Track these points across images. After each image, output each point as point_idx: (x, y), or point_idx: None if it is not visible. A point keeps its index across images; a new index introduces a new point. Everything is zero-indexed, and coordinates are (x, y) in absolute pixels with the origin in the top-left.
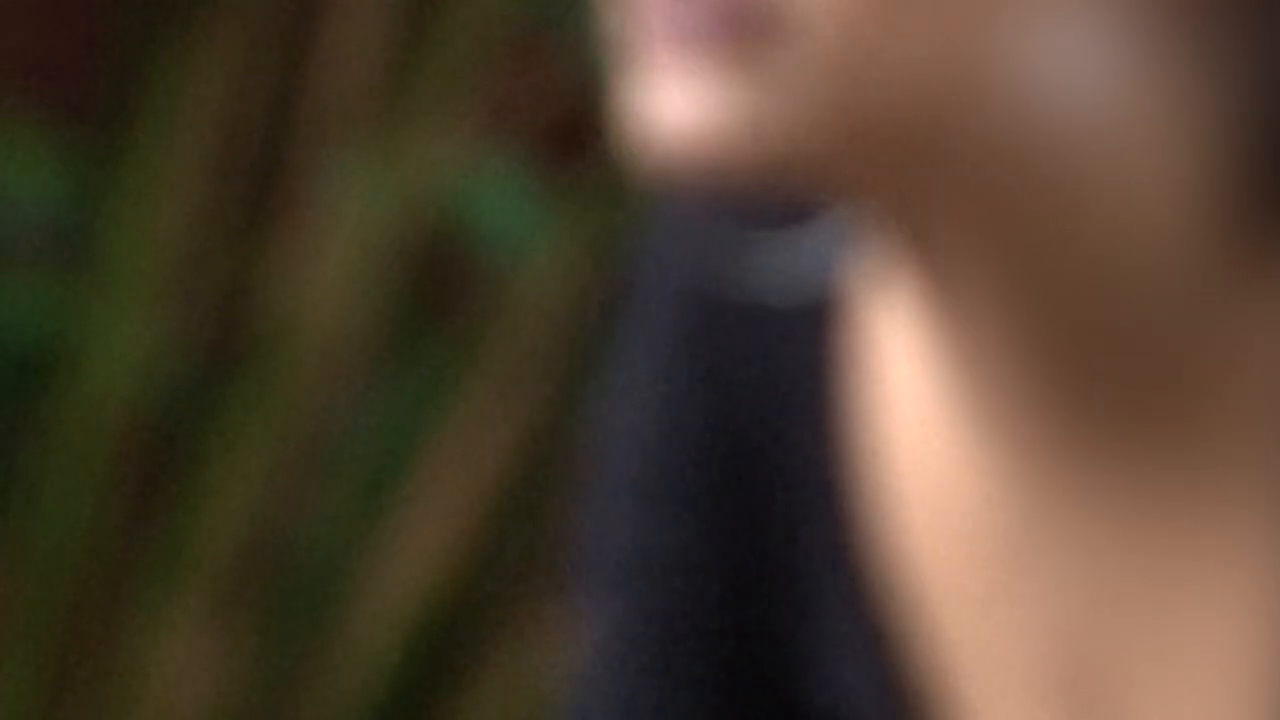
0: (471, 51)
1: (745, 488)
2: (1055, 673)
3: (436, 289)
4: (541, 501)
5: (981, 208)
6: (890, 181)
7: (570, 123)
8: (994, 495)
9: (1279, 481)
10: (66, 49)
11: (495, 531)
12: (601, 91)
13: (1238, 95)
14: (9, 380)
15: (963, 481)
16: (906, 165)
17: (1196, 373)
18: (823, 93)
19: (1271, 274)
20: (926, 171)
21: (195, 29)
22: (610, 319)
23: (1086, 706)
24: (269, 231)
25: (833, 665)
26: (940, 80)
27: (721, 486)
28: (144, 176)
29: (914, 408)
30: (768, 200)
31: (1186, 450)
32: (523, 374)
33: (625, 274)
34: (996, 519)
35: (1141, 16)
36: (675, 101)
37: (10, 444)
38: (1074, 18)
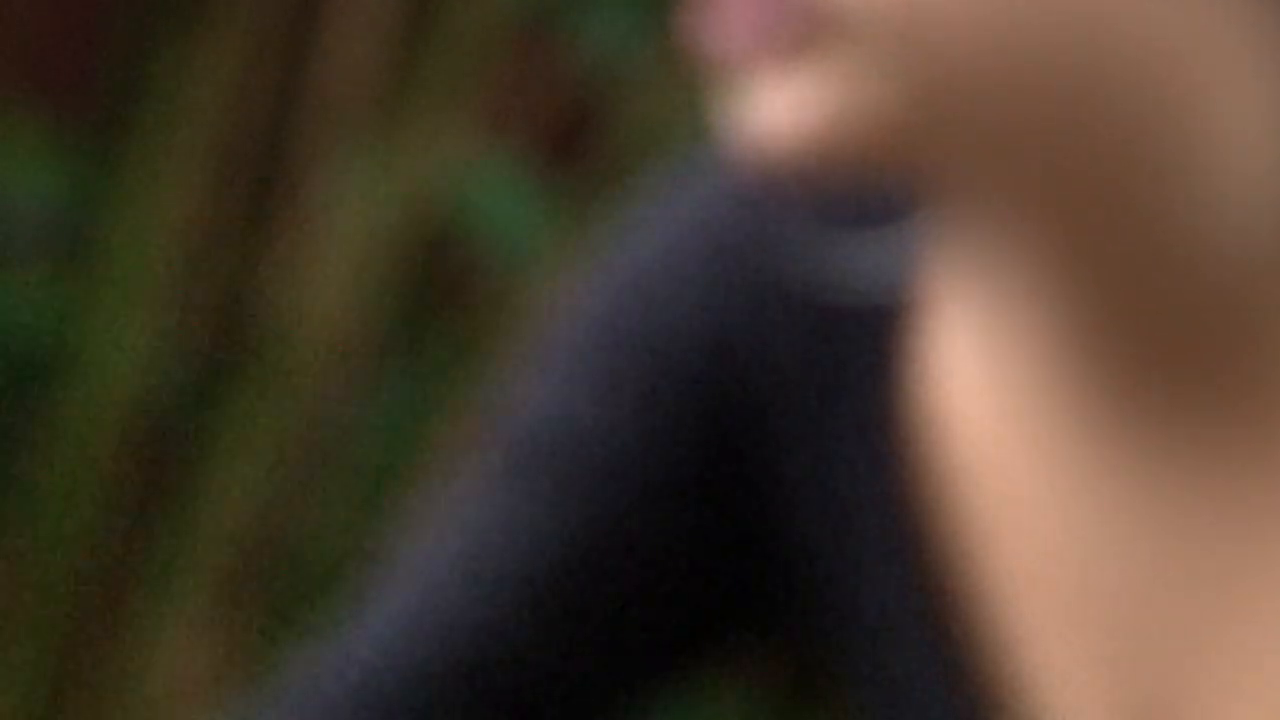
0: (472, 51)
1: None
2: (1115, 650)
3: (437, 288)
4: None
5: (1072, 178)
6: (981, 165)
7: (570, 123)
8: (1066, 495)
9: None
10: (67, 49)
11: None
12: (601, 91)
13: None
14: (9, 380)
15: (1033, 484)
16: (995, 146)
17: (1273, 358)
18: (900, 78)
19: None
20: (1023, 148)
21: (196, 29)
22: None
23: (1154, 696)
24: (269, 231)
25: (913, 692)
26: (1012, 60)
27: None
28: (144, 177)
29: (981, 413)
30: (859, 198)
31: (1259, 431)
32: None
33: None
34: (1070, 517)
35: None
36: (775, 106)
37: (11, 444)
38: None
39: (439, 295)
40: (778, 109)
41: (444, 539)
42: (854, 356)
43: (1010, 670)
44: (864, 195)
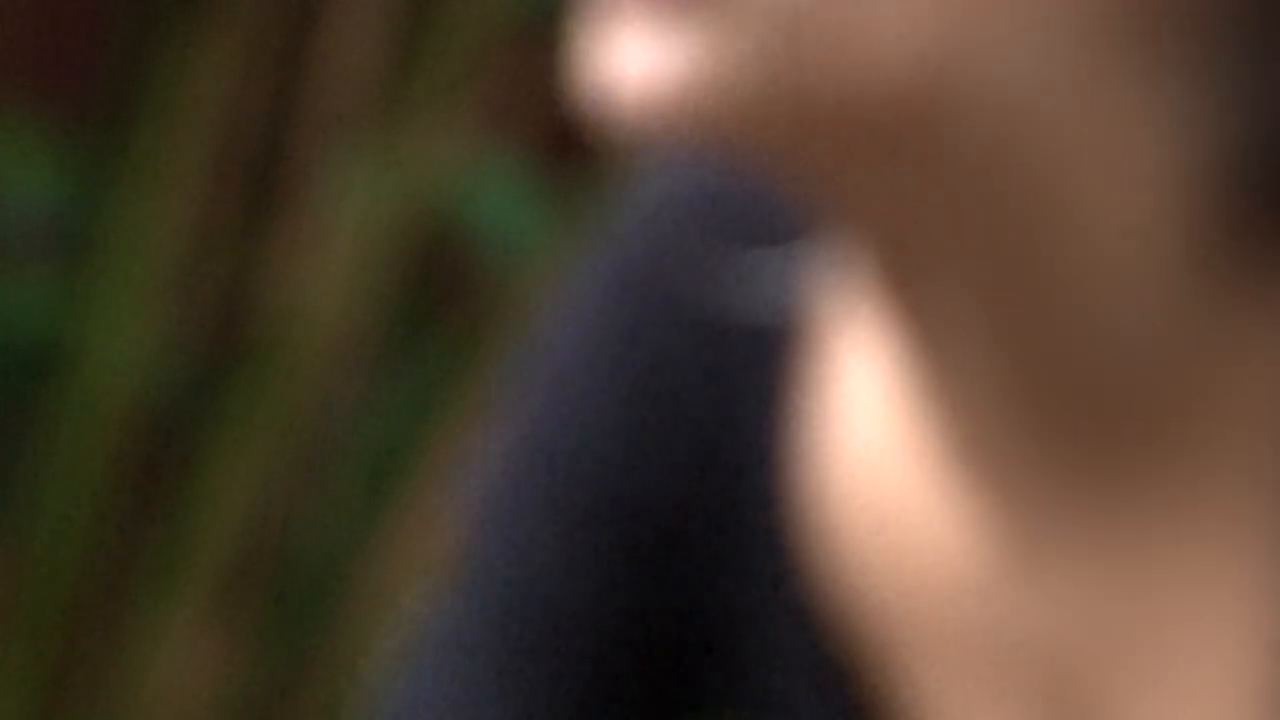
0: (471, 51)
1: (667, 517)
2: (1040, 708)
3: (436, 287)
4: None
5: (951, 216)
6: (857, 175)
7: (570, 122)
8: (970, 531)
9: (1273, 514)
10: (67, 48)
11: None
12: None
13: (1223, 111)
14: (9, 378)
15: (934, 517)
16: (870, 155)
17: (1184, 400)
18: (778, 56)
19: (1263, 298)
20: (892, 168)
21: (196, 28)
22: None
23: None
24: (269, 230)
25: (787, 710)
26: (904, 63)
27: (637, 512)
28: (144, 175)
29: (877, 442)
30: (762, 218)
31: (1175, 482)
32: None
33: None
34: (972, 555)
35: (1116, 19)
36: (633, 54)
37: (11, 442)
38: (1049, 18)
39: (438, 294)
40: (637, 58)
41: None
42: (740, 377)
43: (908, 706)
44: (767, 216)
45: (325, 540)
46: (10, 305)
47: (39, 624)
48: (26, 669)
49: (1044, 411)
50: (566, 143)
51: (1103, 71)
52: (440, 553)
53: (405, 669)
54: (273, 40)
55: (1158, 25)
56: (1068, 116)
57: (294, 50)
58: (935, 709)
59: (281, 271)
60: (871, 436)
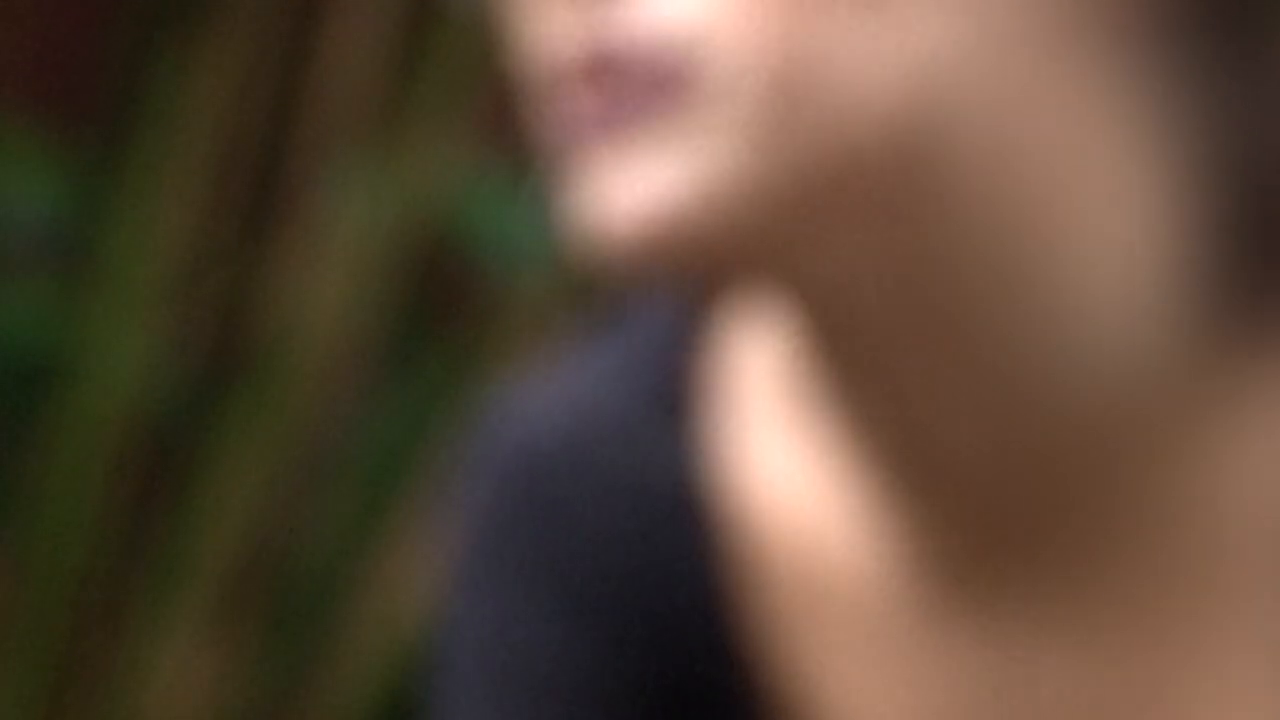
0: (470, 60)
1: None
2: None
3: (436, 296)
4: None
5: (913, 261)
6: (831, 240)
7: None
8: (905, 598)
9: (1273, 614)
10: (66, 57)
11: None
12: None
13: (1215, 148)
14: (9, 388)
15: (871, 588)
16: (845, 217)
17: (1170, 473)
18: (760, 146)
19: (1263, 354)
20: (865, 222)
21: (195, 37)
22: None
23: None
24: (269, 239)
25: None
26: (874, 129)
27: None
28: (144, 184)
29: (803, 497)
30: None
31: (1150, 564)
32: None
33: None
34: (902, 619)
35: (1099, 42)
36: (620, 188)
37: (11, 452)
38: (1023, 53)
39: (437, 304)
40: (625, 190)
41: None
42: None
43: None
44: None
45: (324, 550)
46: (9, 315)
47: (39, 634)
48: (27, 679)
49: (1010, 477)
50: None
51: (1087, 93)
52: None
53: None
54: (272, 49)
55: (1139, 41)
56: (1054, 142)
57: (294, 59)
58: None
59: (281, 281)
60: (795, 492)
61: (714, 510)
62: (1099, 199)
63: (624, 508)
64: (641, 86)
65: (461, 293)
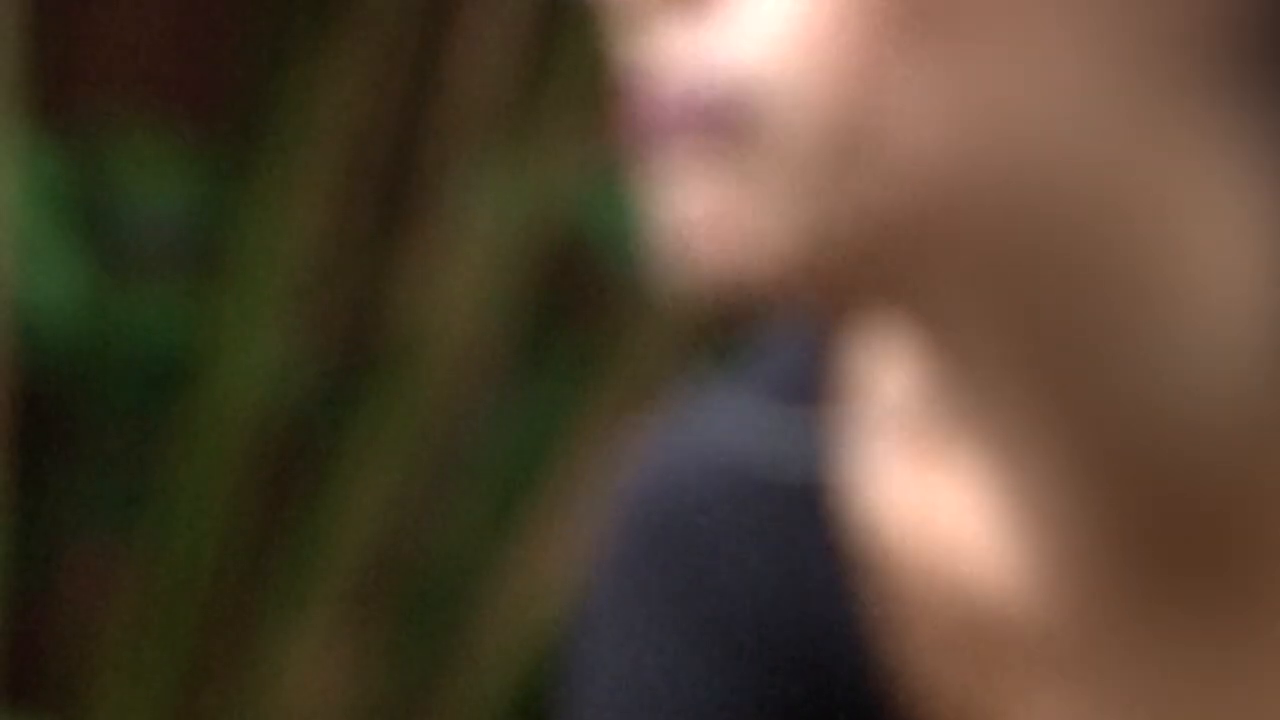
0: (604, 60)
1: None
2: None
3: (567, 297)
4: None
5: (1009, 310)
6: (915, 288)
7: None
8: (1045, 627)
9: None
10: (199, 58)
11: None
12: None
13: None
14: (143, 389)
15: (1013, 620)
16: (927, 268)
17: (1266, 501)
18: (818, 193)
19: None
20: (950, 274)
21: (327, 40)
22: (735, 324)
23: None
24: (400, 240)
25: None
26: (934, 183)
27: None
28: (275, 187)
29: (947, 530)
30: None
31: (1254, 587)
32: (652, 381)
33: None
34: (1047, 652)
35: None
36: (689, 195)
37: (145, 452)
38: (1119, 104)
39: (568, 304)
40: (693, 198)
41: None
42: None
43: None
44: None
45: (456, 549)
46: (143, 316)
47: (172, 634)
48: (160, 679)
49: (1115, 507)
50: None
51: (1185, 142)
52: (570, 562)
53: None
54: (404, 51)
55: (1229, 88)
56: (1160, 195)
57: (425, 61)
58: None
59: (412, 280)
60: (955, 537)
61: (857, 544)
62: (1205, 247)
63: (765, 542)
64: (708, 124)
65: (592, 291)
